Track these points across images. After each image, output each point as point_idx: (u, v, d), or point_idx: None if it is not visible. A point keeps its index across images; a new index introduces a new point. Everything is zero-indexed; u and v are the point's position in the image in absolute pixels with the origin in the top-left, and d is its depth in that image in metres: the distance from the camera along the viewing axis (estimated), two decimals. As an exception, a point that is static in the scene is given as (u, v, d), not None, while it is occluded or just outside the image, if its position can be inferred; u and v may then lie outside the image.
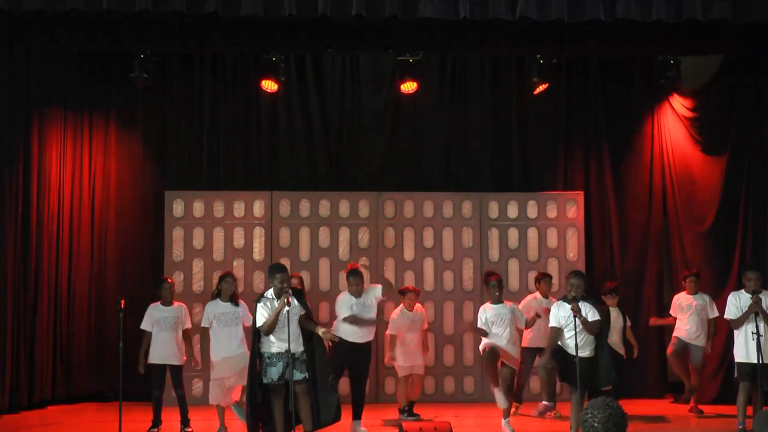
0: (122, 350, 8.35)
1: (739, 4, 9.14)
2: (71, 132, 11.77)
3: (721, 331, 10.56)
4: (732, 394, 9.35)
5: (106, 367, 11.35)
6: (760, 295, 8.58)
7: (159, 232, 11.64)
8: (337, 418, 8.32)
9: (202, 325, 9.20)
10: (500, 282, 9.33)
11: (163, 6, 8.90)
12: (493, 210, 11.97)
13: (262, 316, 8.01)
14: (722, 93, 11.58)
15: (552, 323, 8.46)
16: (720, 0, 9.07)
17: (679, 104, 12.09)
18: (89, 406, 11.24)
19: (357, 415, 9.24)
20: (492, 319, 9.14)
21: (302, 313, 8.21)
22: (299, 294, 8.41)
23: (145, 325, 9.31)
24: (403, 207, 11.91)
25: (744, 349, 8.64)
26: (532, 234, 11.98)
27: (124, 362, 8.39)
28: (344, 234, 11.79)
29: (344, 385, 9.52)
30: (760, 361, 8.34)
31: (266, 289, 8.39)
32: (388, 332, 10.17)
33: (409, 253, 11.85)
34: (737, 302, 8.76)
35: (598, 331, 8.35)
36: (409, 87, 11.69)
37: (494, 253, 11.90)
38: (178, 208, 11.64)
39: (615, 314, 10.00)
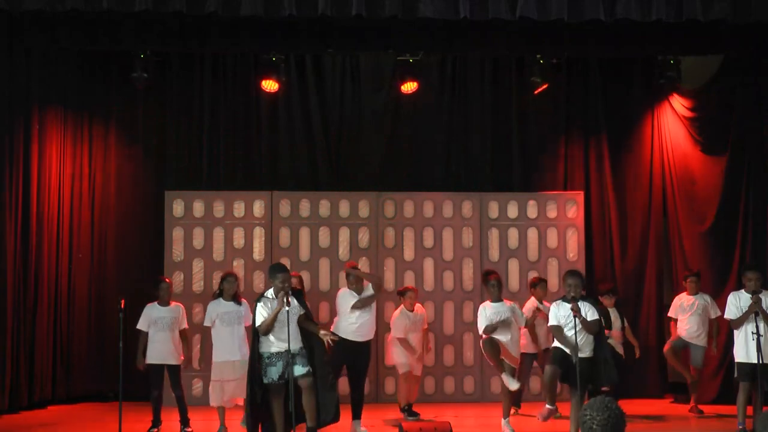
0: (122, 350, 8.35)
1: (739, 4, 9.13)
2: (71, 132, 11.78)
3: (721, 331, 10.56)
4: (732, 394, 9.35)
5: (106, 367, 11.34)
6: (760, 295, 8.58)
7: (159, 232, 11.63)
8: (336, 418, 8.31)
9: (205, 324, 9.20)
10: (499, 281, 9.33)
11: (163, 6, 8.90)
12: (493, 210, 11.97)
13: (261, 316, 8.01)
14: (722, 93, 11.58)
15: (552, 322, 8.44)
16: (720, 0, 9.06)
17: (679, 104, 12.08)
18: (89, 406, 11.25)
19: (357, 415, 9.24)
20: (492, 317, 9.14)
21: (301, 312, 8.21)
22: (298, 294, 8.41)
23: (141, 325, 9.30)
24: (403, 207, 11.91)
25: (744, 349, 8.64)
26: (532, 234, 11.98)
27: (124, 362, 8.40)
28: (344, 234, 11.79)
29: (344, 384, 9.52)
30: (760, 361, 8.33)
31: (266, 289, 8.40)
32: (391, 335, 10.15)
33: (409, 253, 11.85)
34: (737, 302, 8.76)
35: (598, 330, 8.35)
36: (409, 87, 11.70)
37: (494, 253, 11.90)
38: (178, 208, 11.64)
39: (613, 315, 10.00)
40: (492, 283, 9.26)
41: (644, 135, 12.44)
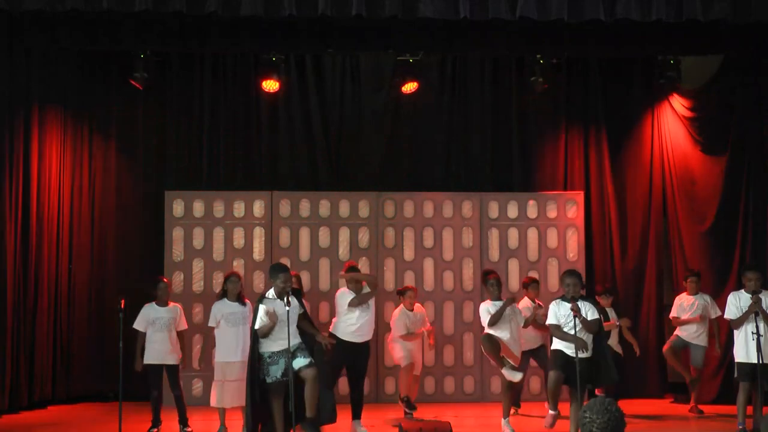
0: (122, 350, 8.35)
1: (739, 4, 9.13)
2: (71, 132, 11.78)
3: (721, 331, 10.57)
4: (732, 394, 9.36)
5: (106, 367, 11.33)
6: (760, 295, 8.59)
7: (159, 232, 11.63)
8: (332, 419, 8.33)
9: (209, 324, 9.17)
10: (499, 280, 9.35)
11: (163, 6, 8.90)
12: (493, 210, 11.97)
13: (262, 319, 8.01)
14: (722, 93, 11.58)
15: (550, 321, 8.43)
16: (720, 0, 9.06)
17: (678, 104, 12.09)
18: (89, 406, 11.25)
19: (357, 415, 9.25)
20: (494, 311, 9.15)
21: (300, 312, 8.23)
22: (297, 293, 8.42)
23: (138, 325, 9.29)
24: (403, 207, 11.91)
25: (744, 349, 8.64)
26: (532, 234, 11.98)
27: (124, 362, 8.40)
28: (344, 234, 11.79)
29: (344, 384, 9.51)
30: (760, 361, 8.34)
31: (266, 289, 8.40)
32: (392, 335, 10.14)
33: (409, 253, 11.85)
34: (737, 302, 8.76)
35: (598, 329, 8.35)
36: (409, 87, 11.72)
37: (494, 253, 11.90)
38: (178, 208, 11.64)
39: (610, 315, 10.00)
40: (491, 282, 9.28)
41: (644, 135, 12.44)
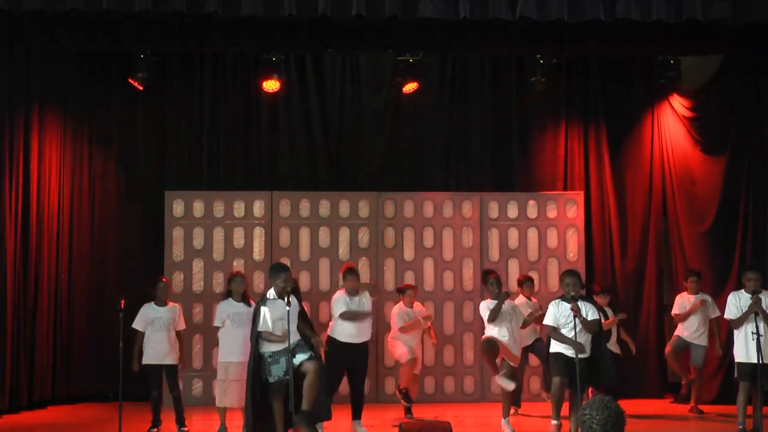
0: (122, 350, 8.35)
1: (739, 4, 9.13)
2: (71, 132, 11.77)
3: (721, 331, 10.57)
4: (732, 394, 9.36)
5: (106, 367, 11.32)
6: (760, 295, 8.59)
7: (159, 232, 11.63)
8: (327, 416, 8.34)
9: (215, 324, 9.13)
10: (498, 279, 9.34)
11: (163, 6, 8.90)
12: (493, 210, 11.97)
13: (266, 320, 8.01)
14: (722, 93, 11.59)
15: (547, 321, 8.41)
16: (720, 0, 9.06)
17: (678, 104, 12.09)
18: (89, 406, 11.25)
19: (357, 415, 9.25)
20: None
21: (298, 310, 8.26)
22: (295, 293, 8.43)
23: (137, 325, 9.28)
24: (403, 207, 11.91)
25: (744, 349, 8.65)
26: (532, 234, 11.98)
27: (124, 362, 8.39)
28: (344, 234, 11.79)
29: (344, 384, 9.51)
30: (760, 361, 8.34)
31: (267, 289, 8.40)
32: (392, 333, 10.14)
33: (409, 253, 11.85)
34: (737, 302, 8.76)
35: (598, 330, 8.34)
36: (409, 87, 11.73)
37: (494, 253, 11.90)
38: (178, 208, 11.64)
39: (609, 314, 10.01)
40: (491, 281, 9.28)
41: (644, 135, 12.44)
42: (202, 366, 11.31)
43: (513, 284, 11.58)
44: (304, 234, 11.77)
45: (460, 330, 11.73)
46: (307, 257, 11.73)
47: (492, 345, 9.09)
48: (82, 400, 11.43)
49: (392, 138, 12.53)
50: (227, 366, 8.95)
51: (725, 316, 9.00)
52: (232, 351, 8.90)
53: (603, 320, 8.71)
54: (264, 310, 8.06)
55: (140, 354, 9.25)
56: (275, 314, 8.06)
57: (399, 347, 10.05)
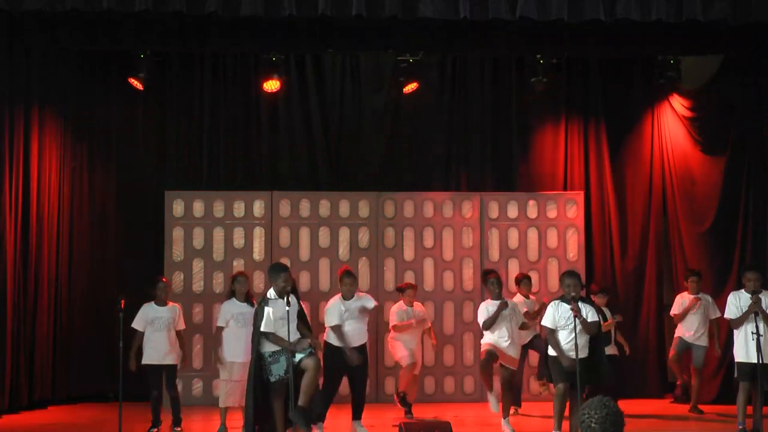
0: (122, 350, 8.35)
1: (739, 4, 9.13)
2: (71, 132, 11.77)
3: (721, 331, 10.57)
4: (732, 394, 9.36)
5: (106, 367, 11.30)
6: (760, 295, 8.59)
7: (159, 232, 11.63)
8: (322, 417, 8.34)
9: (219, 324, 9.12)
10: (499, 279, 9.35)
11: (163, 6, 8.90)
12: (493, 210, 11.97)
13: (270, 321, 8.00)
14: (722, 93, 11.59)
15: (546, 323, 8.38)
16: (720, 0, 9.06)
17: (678, 104, 12.09)
18: (89, 406, 11.24)
19: (357, 416, 9.24)
20: (493, 311, 9.14)
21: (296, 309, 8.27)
22: (294, 293, 8.42)
23: (136, 324, 9.28)
24: (403, 207, 11.90)
25: (744, 349, 8.65)
26: (532, 234, 11.98)
27: (124, 362, 8.39)
28: (344, 234, 11.79)
29: (344, 385, 9.50)
30: (760, 361, 8.34)
31: (267, 289, 8.40)
32: (392, 334, 10.13)
33: (409, 253, 11.85)
34: (737, 302, 8.77)
35: (597, 331, 8.34)
36: (409, 87, 11.74)
37: (494, 253, 11.90)
38: (178, 208, 11.64)
39: (607, 315, 10.01)
40: (492, 281, 9.28)
41: (644, 135, 12.44)
42: (202, 366, 11.30)
43: (513, 285, 11.60)
44: (304, 234, 11.77)
45: (460, 330, 11.73)
46: (307, 257, 11.73)
47: (490, 360, 9.14)
48: (82, 400, 11.43)
49: (392, 138, 12.53)
50: (231, 366, 8.94)
51: (725, 316, 9.01)
52: (236, 351, 8.90)
53: (602, 322, 8.70)
54: (268, 310, 8.06)
55: (138, 354, 9.25)
56: (276, 314, 8.07)
57: (399, 350, 10.05)
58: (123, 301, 8.49)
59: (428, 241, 11.88)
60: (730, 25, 9.45)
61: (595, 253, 12.22)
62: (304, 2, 8.92)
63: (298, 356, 8.00)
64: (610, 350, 9.88)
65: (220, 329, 9.08)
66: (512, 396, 9.71)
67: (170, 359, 9.29)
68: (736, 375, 8.87)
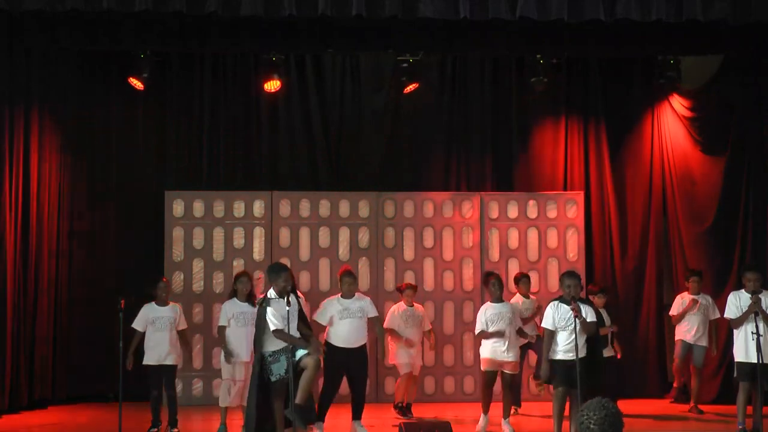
0: (122, 350, 8.35)
1: (739, 4, 9.13)
2: (71, 132, 11.77)
3: (721, 332, 10.57)
4: (732, 394, 9.36)
5: (106, 367, 11.31)
6: (760, 295, 8.59)
7: (159, 232, 11.63)
8: (314, 418, 8.36)
9: (221, 323, 9.12)
10: (500, 281, 9.34)
11: (163, 6, 8.90)
12: (493, 210, 11.97)
13: (273, 321, 7.99)
14: (722, 93, 11.59)
15: (545, 324, 8.35)
16: (720, 0, 9.06)
17: (678, 104, 12.09)
18: (89, 406, 11.24)
19: (357, 416, 9.23)
20: (492, 318, 9.14)
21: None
22: (293, 293, 8.43)
23: (136, 324, 9.26)
24: (403, 207, 11.91)
25: (744, 349, 8.65)
26: (532, 234, 11.98)
27: (124, 362, 8.37)
28: (344, 234, 11.79)
29: (344, 385, 9.50)
30: (760, 361, 8.34)
31: (267, 289, 8.40)
32: (392, 339, 10.12)
33: (409, 253, 11.85)
34: (737, 302, 8.77)
35: (595, 332, 8.33)
36: (409, 87, 11.74)
37: (494, 253, 11.90)
38: (178, 208, 11.64)
39: (604, 316, 9.99)
40: (493, 283, 9.28)
41: (644, 135, 12.45)
42: (202, 366, 11.30)
43: (511, 284, 11.61)
44: (304, 234, 11.77)
45: (460, 330, 11.73)
46: (307, 257, 11.73)
47: (491, 380, 9.24)
48: (82, 400, 11.43)
49: (392, 138, 12.53)
50: (234, 366, 8.94)
51: (725, 316, 9.01)
52: (238, 351, 8.90)
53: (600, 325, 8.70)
54: (270, 310, 8.06)
55: (136, 353, 9.23)
56: (277, 314, 8.07)
57: (400, 356, 10.05)
58: (123, 301, 8.49)
59: (428, 241, 11.88)
60: (730, 25, 9.45)
61: (595, 253, 12.22)
62: (304, 2, 8.92)
63: (298, 355, 8.00)
64: (608, 352, 9.87)
65: (222, 328, 9.08)
66: (512, 396, 9.70)
67: (170, 359, 9.28)
68: (735, 375, 8.87)
